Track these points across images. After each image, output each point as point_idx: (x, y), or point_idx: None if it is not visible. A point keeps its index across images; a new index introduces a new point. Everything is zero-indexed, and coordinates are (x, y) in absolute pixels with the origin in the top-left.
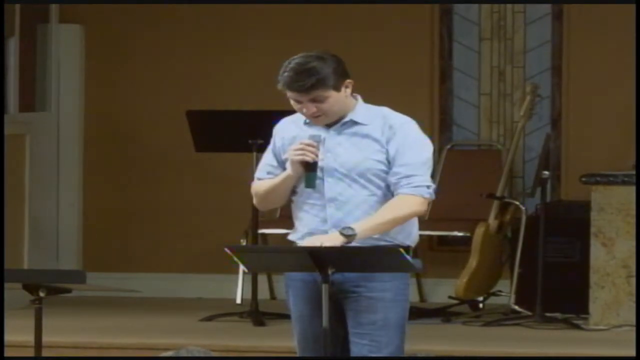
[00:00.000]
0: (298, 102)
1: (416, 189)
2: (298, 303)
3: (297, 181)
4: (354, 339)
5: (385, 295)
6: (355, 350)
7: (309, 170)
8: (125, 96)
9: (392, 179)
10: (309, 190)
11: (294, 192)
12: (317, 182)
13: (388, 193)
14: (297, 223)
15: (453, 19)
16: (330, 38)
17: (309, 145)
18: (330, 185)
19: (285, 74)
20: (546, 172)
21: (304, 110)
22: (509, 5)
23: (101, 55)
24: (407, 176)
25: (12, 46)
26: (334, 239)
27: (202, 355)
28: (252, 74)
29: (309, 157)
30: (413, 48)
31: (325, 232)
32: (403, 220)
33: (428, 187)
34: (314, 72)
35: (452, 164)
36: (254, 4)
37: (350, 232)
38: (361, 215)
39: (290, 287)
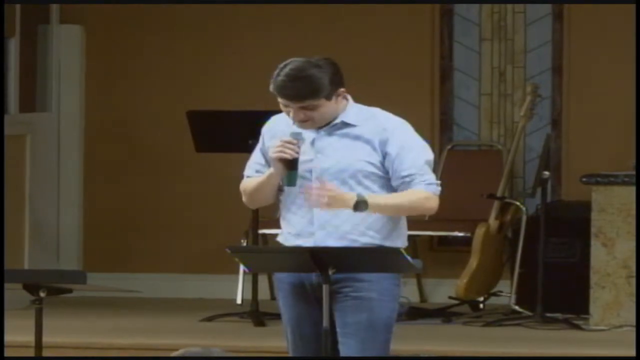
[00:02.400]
0: (287, 105)
1: (430, 187)
2: (287, 306)
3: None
4: (340, 338)
5: (371, 295)
6: (342, 350)
7: (290, 168)
8: (126, 96)
9: (403, 180)
10: (296, 190)
11: (281, 190)
12: (306, 183)
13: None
14: (283, 224)
15: (453, 19)
16: (331, 38)
17: (288, 142)
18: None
19: (280, 78)
20: (546, 173)
21: (291, 115)
22: (509, 6)
23: (102, 55)
24: (420, 174)
25: (13, 47)
26: (344, 201)
27: (219, 354)
28: (252, 74)
29: (287, 155)
30: (413, 48)
31: (312, 233)
32: (416, 212)
33: (438, 185)
34: (309, 81)
35: (453, 165)
36: (254, 4)
37: (363, 208)
38: (349, 217)
39: (279, 290)
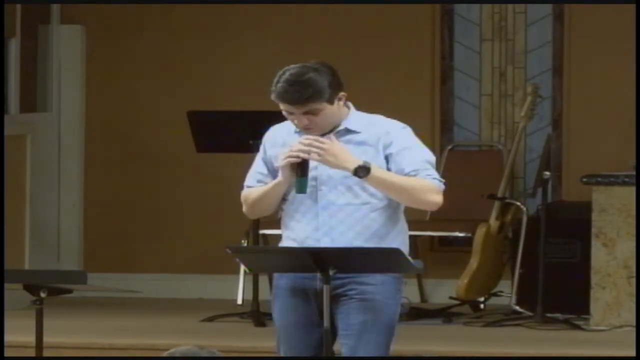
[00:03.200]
0: (290, 113)
1: (435, 180)
2: (286, 311)
3: (288, 188)
4: (343, 340)
5: (375, 297)
6: (344, 351)
7: (300, 175)
8: (126, 97)
9: (408, 175)
10: (301, 198)
11: (284, 199)
12: (311, 190)
13: (383, 200)
14: (286, 232)
15: (454, 20)
16: (331, 39)
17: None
18: (323, 193)
19: (280, 84)
20: (547, 173)
21: (296, 122)
22: (510, 6)
23: (102, 55)
24: (425, 168)
25: (13, 47)
26: (342, 160)
27: (202, 354)
28: (252, 74)
29: (295, 159)
30: (414, 49)
31: (318, 240)
32: (418, 200)
33: (442, 182)
34: (309, 84)
35: (453, 165)
36: (254, 4)
37: (362, 173)
38: (354, 224)
39: (277, 297)
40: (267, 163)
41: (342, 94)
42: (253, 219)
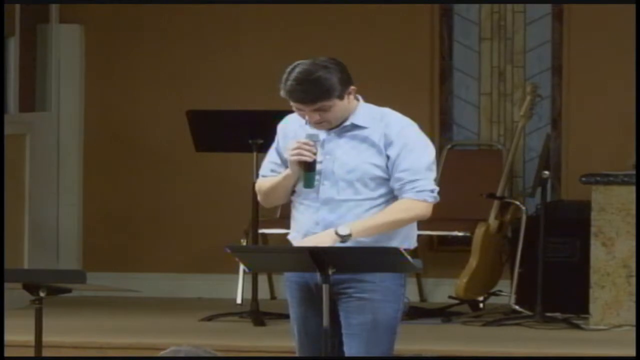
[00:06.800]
0: (300, 109)
1: (420, 194)
2: (293, 304)
3: (297, 180)
4: (345, 339)
5: (375, 296)
6: (346, 351)
7: (308, 170)
8: (126, 96)
9: (395, 185)
10: (307, 191)
11: (293, 191)
12: (315, 184)
13: (383, 197)
14: (292, 223)
15: (453, 19)
16: (331, 38)
17: (305, 144)
18: (325, 188)
19: (289, 82)
20: (546, 172)
21: (307, 117)
22: (509, 5)
23: (101, 55)
24: (411, 181)
25: (13, 46)
26: (326, 238)
27: (201, 354)
28: (252, 73)
29: (306, 157)
30: (413, 48)
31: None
32: (403, 223)
33: (432, 191)
34: (319, 83)
35: (453, 164)
36: (254, 4)
37: (344, 232)
38: (353, 219)
39: (287, 288)
40: (280, 153)
41: (352, 88)
42: (252, 218)
